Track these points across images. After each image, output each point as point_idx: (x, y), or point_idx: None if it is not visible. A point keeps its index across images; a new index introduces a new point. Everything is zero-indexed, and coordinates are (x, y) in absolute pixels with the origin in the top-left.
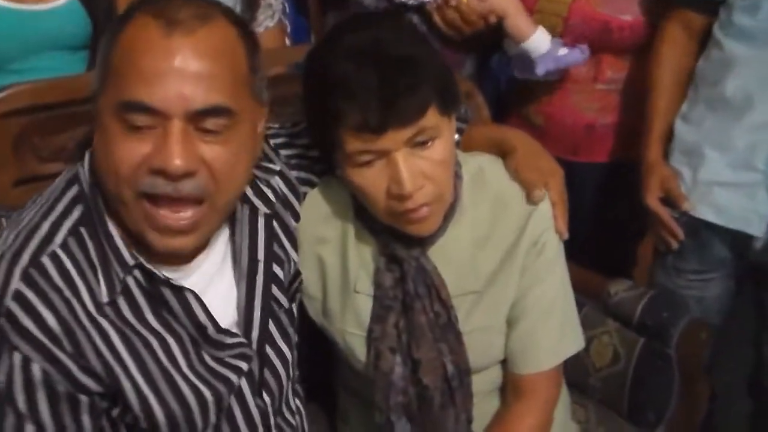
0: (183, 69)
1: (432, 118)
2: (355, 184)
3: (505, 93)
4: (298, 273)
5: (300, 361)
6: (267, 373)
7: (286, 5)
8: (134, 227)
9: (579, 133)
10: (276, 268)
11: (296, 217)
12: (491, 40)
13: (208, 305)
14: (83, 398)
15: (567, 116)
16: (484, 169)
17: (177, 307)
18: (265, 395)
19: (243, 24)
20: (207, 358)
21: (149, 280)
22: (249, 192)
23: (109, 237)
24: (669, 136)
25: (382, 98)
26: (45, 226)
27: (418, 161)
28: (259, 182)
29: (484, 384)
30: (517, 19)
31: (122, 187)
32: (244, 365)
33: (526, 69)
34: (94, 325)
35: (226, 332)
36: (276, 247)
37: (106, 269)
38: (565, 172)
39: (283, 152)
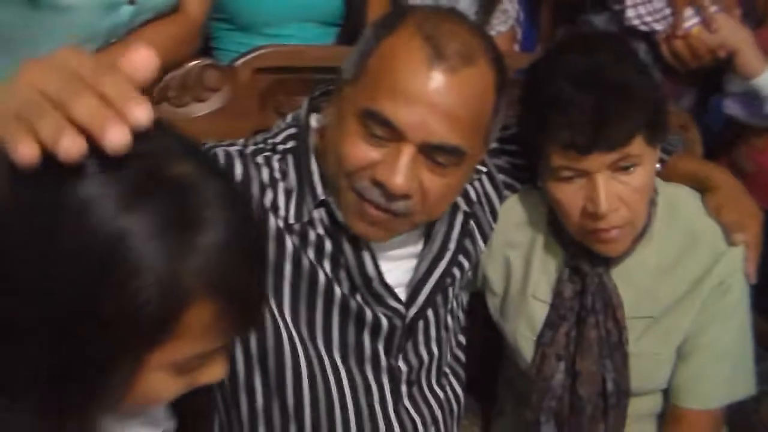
0: (435, 103)
1: (638, 146)
2: (554, 196)
3: (720, 133)
4: (477, 267)
5: (471, 353)
6: (410, 347)
7: (521, 14)
8: (340, 206)
9: None
10: (462, 259)
11: (495, 216)
12: (715, 75)
13: (381, 267)
14: None
15: None
16: (680, 201)
17: (349, 253)
18: (402, 363)
19: (501, 66)
20: (358, 297)
21: (331, 221)
22: None
23: (310, 172)
24: None
25: (594, 121)
26: (266, 145)
27: (617, 185)
28: None
29: (643, 408)
30: (748, 55)
31: (340, 176)
32: (385, 324)
33: (753, 108)
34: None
35: (392, 292)
36: (467, 242)
37: (301, 196)
38: None
39: (493, 157)
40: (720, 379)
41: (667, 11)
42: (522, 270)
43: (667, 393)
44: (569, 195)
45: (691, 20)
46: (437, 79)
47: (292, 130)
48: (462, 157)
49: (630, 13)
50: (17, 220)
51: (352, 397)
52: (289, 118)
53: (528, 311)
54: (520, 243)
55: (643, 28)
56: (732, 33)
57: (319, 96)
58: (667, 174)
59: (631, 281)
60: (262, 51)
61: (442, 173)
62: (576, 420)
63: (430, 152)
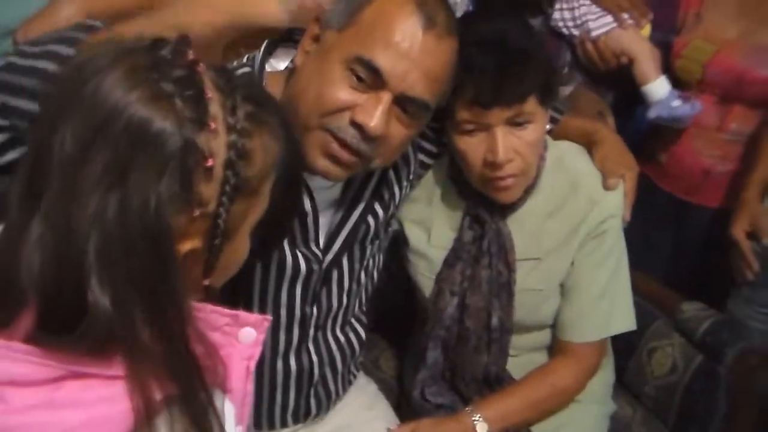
0: (421, 61)
1: (532, 104)
2: (458, 148)
3: (643, 136)
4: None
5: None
6: (323, 294)
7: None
8: (307, 152)
9: (695, 177)
10: (378, 207)
11: (409, 169)
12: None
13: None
14: None
15: (686, 158)
16: (566, 155)
17: None
18: (314, 307)
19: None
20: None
21: None
22: None
23: None
24: None
25: (496, 81)
26: None
27: (513, 139)
28: None
29: (532, 342)
30: (644, 64)
31: (312, 115)
32: (303, 269)
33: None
34: None
35: (317, 232)
36: (384, 191)
37: None
38: (678, 210)
39: None
40: (598, 316)
41: (584, 19)
42: (422, 222)
43: (553, 328)
44: (472, 147)
45: (610, 25)
46: (426, 42)
47: (246, 69)
48: (427, 112)
49: (556, 15)
50: None
51: None
52: (244, 59)
53: (429, 256)
54: (417, 197)
55: (564, 30)
56: (632, 43)
57: (277, 41)
58: (559, 132)
59: (522, 227)
60: None
61: (406, 124)
62: (461, 349)
63: (404, 103)
